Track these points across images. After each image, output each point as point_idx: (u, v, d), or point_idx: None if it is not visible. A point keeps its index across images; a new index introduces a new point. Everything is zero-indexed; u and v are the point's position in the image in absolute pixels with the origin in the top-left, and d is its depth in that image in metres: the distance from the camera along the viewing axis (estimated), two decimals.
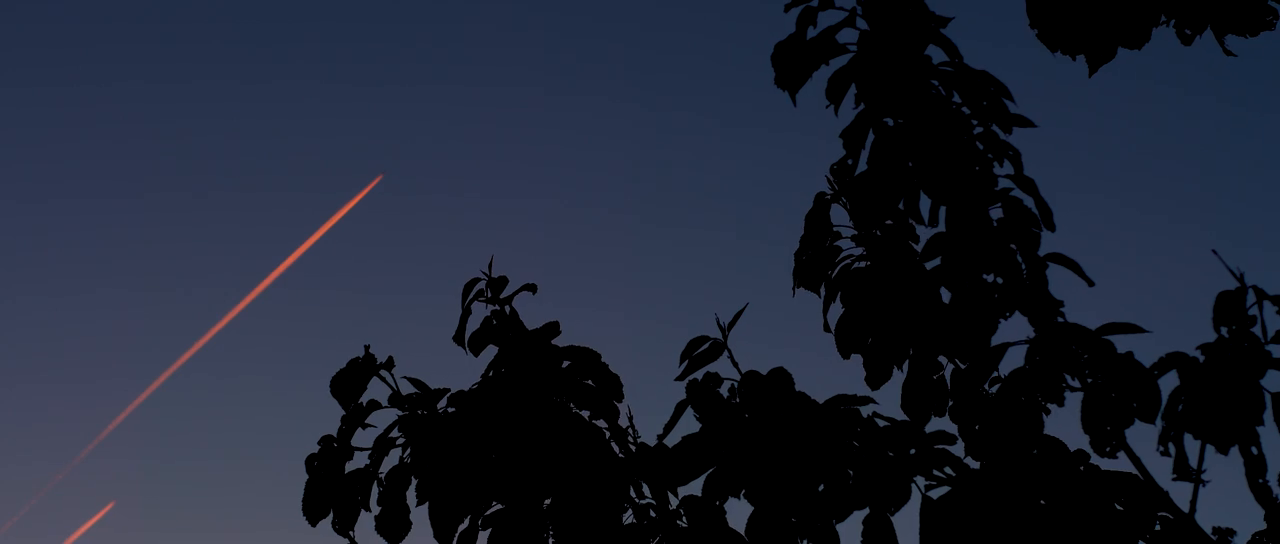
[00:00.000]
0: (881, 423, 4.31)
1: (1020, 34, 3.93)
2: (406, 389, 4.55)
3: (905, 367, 4.49)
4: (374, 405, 4.53)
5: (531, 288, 4.66)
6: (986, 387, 4.31)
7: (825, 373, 4.66)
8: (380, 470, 4.50)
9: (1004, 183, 4.35)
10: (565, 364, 4.60)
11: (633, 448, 4.57)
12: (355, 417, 4.51)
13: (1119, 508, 4.21)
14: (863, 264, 4.48)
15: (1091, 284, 4.33)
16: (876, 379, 4.48)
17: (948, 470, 4.29)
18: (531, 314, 4.66)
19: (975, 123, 4.31)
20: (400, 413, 4.51)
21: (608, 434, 4.56)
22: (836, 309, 4.53)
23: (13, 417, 21.18)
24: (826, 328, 4.55)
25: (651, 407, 4.61)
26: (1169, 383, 4.24)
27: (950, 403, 4.38)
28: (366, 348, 4.56)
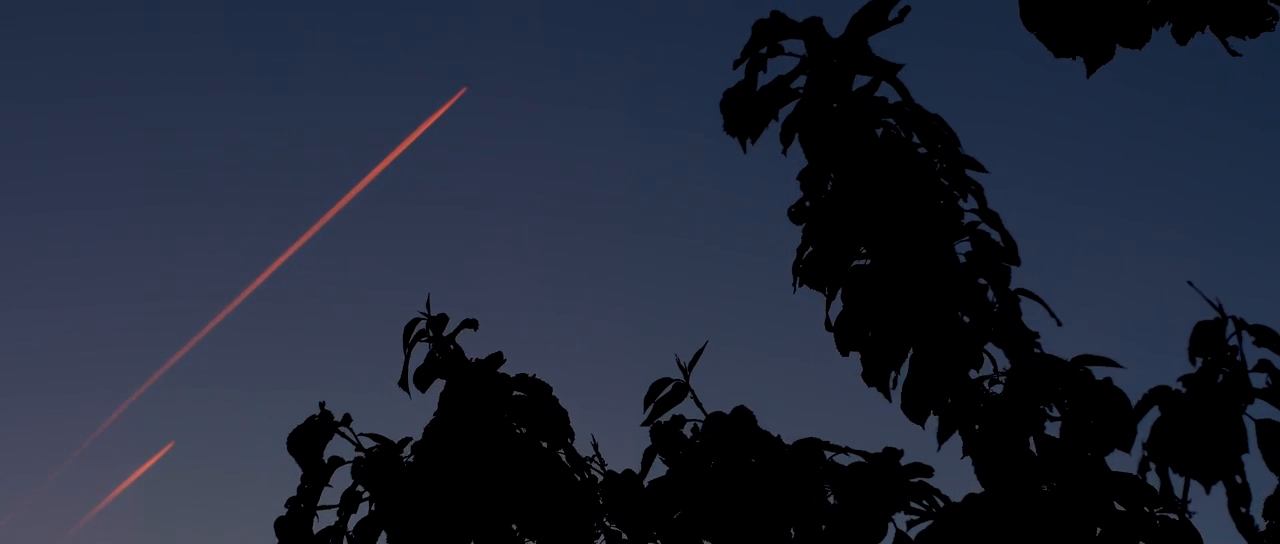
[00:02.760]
0: (851, 460, 4.22)
1: (1009, 49, 3.66)
2: (368, 444, 4.46)
3: (903, 369, 4.36)
4: (336, 462, 4.46)
5: (472, 324, 4.54)
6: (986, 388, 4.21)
7: (819, 384, 4.54)
8: (348, 526, 4.44)
9: (970, 217, 4.15)
10: (516, 393, 4.51)
11: (598, 475, 4.50)
12: (317, 476, 4.43)
13: (1118, 509, 4.15)
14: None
15: (1059, 323, 4.17)
16: (873, 377, 4.34)
17: (925, 504, 4.21)
18: (527, 327, 4.57)
19: (936, 161, 4.09)
20: (361, 467, 4.43)
21: (566, 462, 4.50)
22: (836, 306, 4.38)
23: (68, 356, 21.07)
24: (828, 326, 4.41)
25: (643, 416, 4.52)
26: (1154, 413, 4.13)
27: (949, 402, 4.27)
28: (322, 405, 4.47)
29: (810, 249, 4.38)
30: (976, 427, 4.20)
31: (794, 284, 4.46)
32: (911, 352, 4.33)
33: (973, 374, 4.21)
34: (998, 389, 4.22)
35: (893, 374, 4.36)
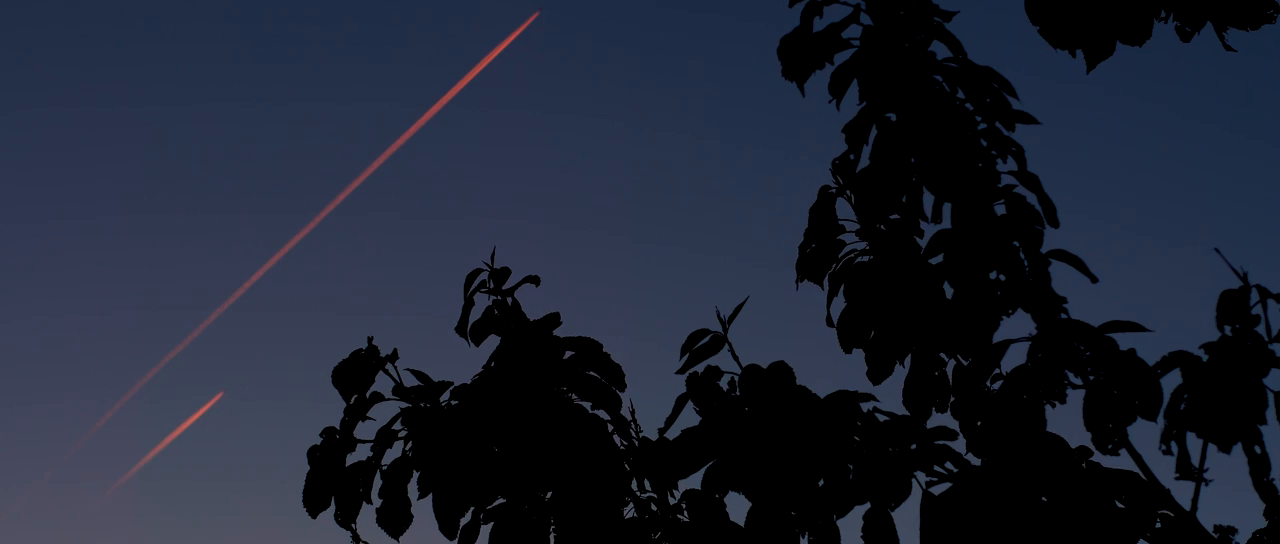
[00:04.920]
0: (882, 418, 4.30)
1: (1023, 32, 3.90)
2: (409, 381, 4.55)
3: (907, 362, 4.47)
4: (377, 397, 4.53)
5: (534, 280, 4.65)
6: (989, 383, 4.30)
7: (827, 369, 4.64)
8: (382, 463, 4.50)
9: (1007, 179, 4.34)
10: (567, 355, 4.60)
11: (635, 441, 4.56)
12: (357, 409, 4.51)
13: (1120, 506, 4.20)
14: (866, 258, 4.46)
15: (1094, 281, 4.31)
16: (878, 374, 4.46)
17: (949, 466, 4.27)
18: (534, 307, 4.66)
19: (979, 119, 4.28)
20: (402, 406, 4.51)
21: (610, 426, 4.56)
22: (839, 303, 4.53)
23: (116, 306, 21.00)
24: (829, 322, 4.54)
25: (653, 401, 4.61)
26: (1172, 382, 4.24)
27: (952, 399, 4.37)
28: (370, 339, 4.56)
29: (813, 245, 4.56)
30: (979, 423, 4.30)
31: (796, 281, 4.63)
32: (914, 348, 4.48)
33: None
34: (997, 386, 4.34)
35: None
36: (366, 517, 4.52)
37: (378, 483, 4.53)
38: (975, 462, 4.26)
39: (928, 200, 4.32)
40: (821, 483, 4.26)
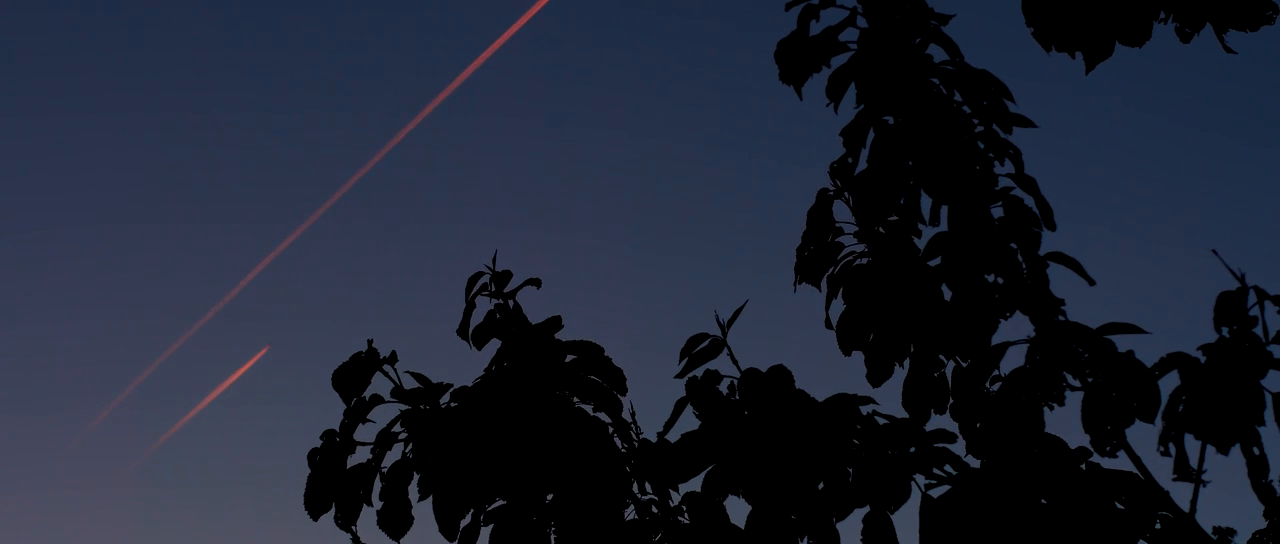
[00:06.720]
0: (881, 421, 4.31)
1: (1019, 35, 3.90)
2: (409, 384, 4.56)
3: (906, 364, 4.48)
4: (376, 400, 4.54)
5: (535, 282, 4.66)
6: (987, 385, 4.31)
7: (826, 372, 4.65)
8: (382, 465, 4.51)
9: (1005, 182, 4.34)
10: (569, 358, 4.61)
11: (635, 443, 4.57)
12: (357, 411, 4.52)
13: (1119, 507, 4.20)
14: (864, 261, 4.47)
15: (1092, 283, 4.32)
16: (877, 376, 4.47)
17: (948, 469, 4.28)
18: (533, 310, 4.67)
19: (976, 122, 4.28)
20: (402, 408, 4.52)
21: (611, 428, 4.57)
22: (838, 306, 4.53)
23: (163, 259, 20.92)
24: (828, 324, 4.55)
25: (652, 404, 4.62)
26: (1170, 383, 4.25)
27: (951, 401, 4.38)
28: (370, 342, 4.58)
29: (811, 248, 4.57)
30: (978, 425, 4.31)
31: (794, 284, 4.64)
32: (912, 350, 4.48)
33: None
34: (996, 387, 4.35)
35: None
36: (367, 519, 4.54)
37: (378, 485, 4.55)
38: (974, 464, 4.26)
39: (925, 203, 4.33)
40: (821, 486, 4.26)
